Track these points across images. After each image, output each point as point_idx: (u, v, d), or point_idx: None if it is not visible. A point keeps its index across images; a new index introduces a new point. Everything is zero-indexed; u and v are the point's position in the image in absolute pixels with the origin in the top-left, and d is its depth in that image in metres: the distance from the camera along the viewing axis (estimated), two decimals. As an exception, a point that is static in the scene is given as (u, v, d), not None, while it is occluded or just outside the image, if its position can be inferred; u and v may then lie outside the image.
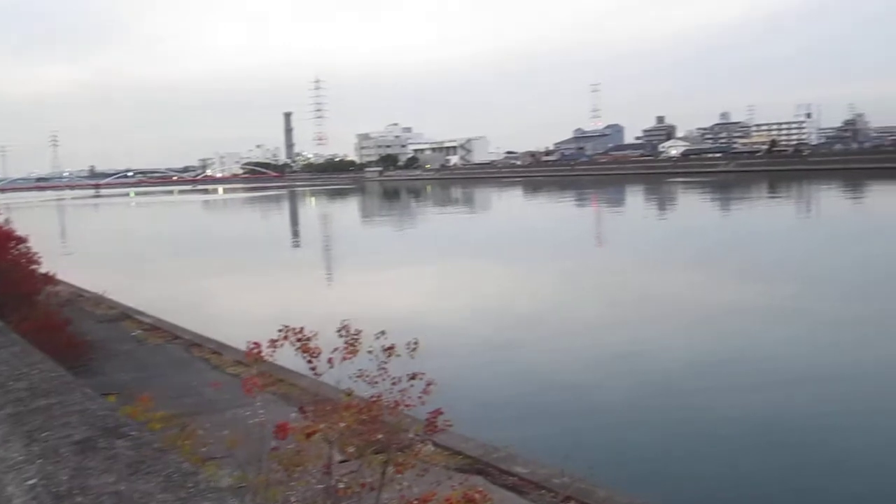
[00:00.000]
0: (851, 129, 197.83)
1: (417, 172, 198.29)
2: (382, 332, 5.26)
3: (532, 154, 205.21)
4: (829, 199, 66.08)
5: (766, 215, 51.85)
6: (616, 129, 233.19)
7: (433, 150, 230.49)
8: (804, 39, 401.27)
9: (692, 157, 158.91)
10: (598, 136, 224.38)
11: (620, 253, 33.10)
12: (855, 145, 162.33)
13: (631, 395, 12.30)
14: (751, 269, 26.25)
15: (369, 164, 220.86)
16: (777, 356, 14.38)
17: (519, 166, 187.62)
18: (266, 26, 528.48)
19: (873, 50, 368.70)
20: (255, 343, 4.74)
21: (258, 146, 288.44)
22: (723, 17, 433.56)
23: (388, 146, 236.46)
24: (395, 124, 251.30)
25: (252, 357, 4.75)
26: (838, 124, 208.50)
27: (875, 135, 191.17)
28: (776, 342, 15.56)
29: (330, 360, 4.73)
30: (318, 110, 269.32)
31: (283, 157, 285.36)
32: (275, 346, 5.07)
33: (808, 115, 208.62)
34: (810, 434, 10.56)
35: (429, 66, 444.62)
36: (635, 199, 79.59)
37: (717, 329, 17.08)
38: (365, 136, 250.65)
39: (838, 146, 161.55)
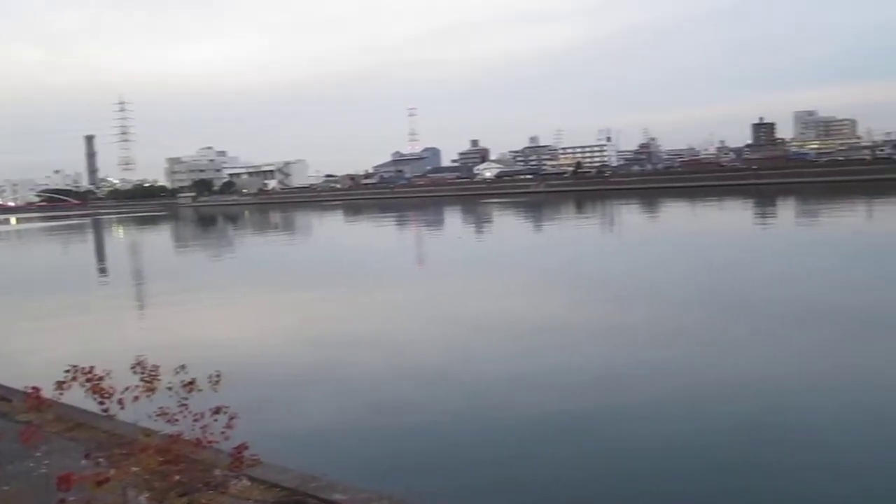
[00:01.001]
0: (646, 151, 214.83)
1: (234, 197, 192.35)
2: (182, 367, 5.03)
3: (352, 177, 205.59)
4: (630, 216, 71.50)
5: (575, 233, 55.19)
6: (433, 152, 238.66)
7: (250, 174, 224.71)
8: (602, 70, 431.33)
9: (506, 178, 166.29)
10: (417, 158, 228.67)
11: (437, 273, 33.86)
12: (649, 167, 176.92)
13: (436, 412, 12.52)
14: (562, 281, 27.74)
15: (182, 189, 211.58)
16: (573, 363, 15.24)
17: (339, 189, 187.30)
18: (68, 47, 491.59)
19: (664, 83, 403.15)
20: (34, 388, 4.35)
21: (56, 172, 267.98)
22: (530, 47, 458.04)
23: (202, 171, 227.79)
24: (209, 148, 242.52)
25: (31, 402, 4.35)
26: (635, 147, 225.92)
27: (666, 157, 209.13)
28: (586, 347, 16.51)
29: (121, 401, 4.44)
30: (124, 133, 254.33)
31: (85, 184, 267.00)
32: (62, 389, 4.70)
33: (609, 139, 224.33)
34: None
35: (246, 90, 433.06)
36: (453, 220, 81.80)
37: (533, 342, 17.79)
38: (176, 161, 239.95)
39: (635, 167, 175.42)
